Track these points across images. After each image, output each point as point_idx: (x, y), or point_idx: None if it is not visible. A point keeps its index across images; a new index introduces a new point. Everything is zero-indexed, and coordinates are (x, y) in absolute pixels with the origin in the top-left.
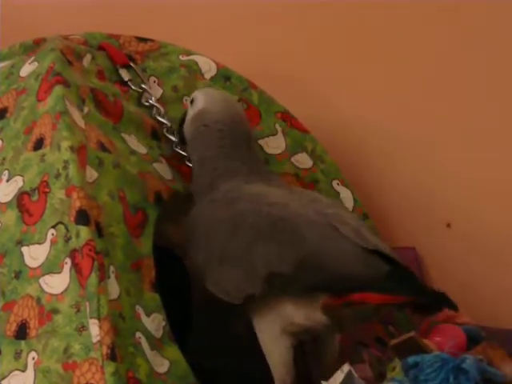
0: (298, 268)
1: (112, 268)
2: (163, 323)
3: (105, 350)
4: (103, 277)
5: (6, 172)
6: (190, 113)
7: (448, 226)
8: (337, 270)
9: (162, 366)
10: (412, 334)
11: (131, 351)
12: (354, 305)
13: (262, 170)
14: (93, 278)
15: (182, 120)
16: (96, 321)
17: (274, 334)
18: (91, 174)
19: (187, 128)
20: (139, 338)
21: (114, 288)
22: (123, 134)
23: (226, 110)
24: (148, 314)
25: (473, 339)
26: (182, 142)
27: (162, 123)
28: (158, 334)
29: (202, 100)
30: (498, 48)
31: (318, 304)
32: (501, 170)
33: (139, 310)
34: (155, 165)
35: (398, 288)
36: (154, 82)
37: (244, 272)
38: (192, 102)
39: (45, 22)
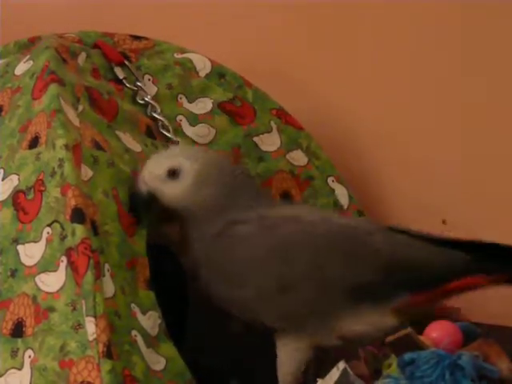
0: (388, 273)
1: (107, 266)
2: (159, 321)
3: (101, 347)
4: (99, 275)
5: (2, 170)
6: (177, 186)
7: (443, 222)
8: (420, 266)
9: (158, 363)
10: (408, 330)
11: (127, 349)
12: (442, 297)
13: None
14: (89, 276)
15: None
16: (92, 319)
17: (296, 347)
18: (86, 172)
19: (184, 196)
20: (135, 335)
21: (109, 286)
22: (118, 132)
23: (217, 162)
24: (143, 312)
25: (469, 336)
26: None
27: (157, 121)
28: (154, 332)
29: (188, 166)
30: (481, 39)
31: (388, 308)
32: (496, 167)
33: (135, 308)
34: None
35: (490, 267)
36: (149, 80)
37: (318, 292)
38: (174, 173)
39: (39, 21)
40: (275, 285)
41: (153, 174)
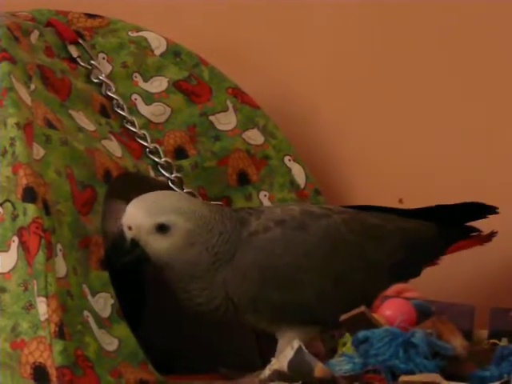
0: (407, 251)
1: (59, 246)
2: (111, 301)
3: (53, 327)
4: (51, 254)
5: None
6: (165, 242)
7: (400, 201)
8: (418, 237)
9: (110, 344)
10: (362, 308)
11: (79, 329)
12: None
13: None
14: (40, 256)
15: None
16: (44, 299)
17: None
18: (38, 151)
19: (170, 253)
20: (87, 316)
21: (61, 266)
22: (71, 111)
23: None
24: (93, 294)
25: (423, 313)
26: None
27: (112, 100)
28: (106, 313)
29: (181, 225)
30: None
31: None
32: (453, 145)
33: (85, 289)
34: (104, 142)
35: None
36: (103, 58)
37: (367, 277)
38: (162, 228)
39: None
40: (331, 281)
41: (141, 224)
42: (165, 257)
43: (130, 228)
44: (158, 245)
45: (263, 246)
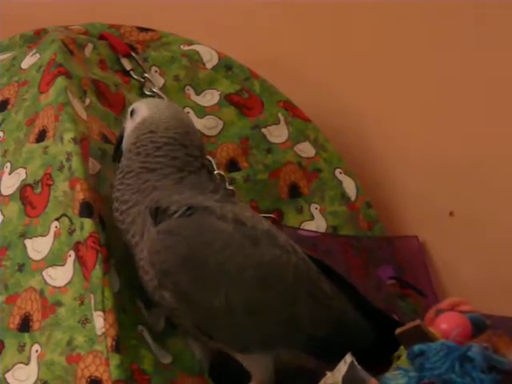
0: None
1: (112, 261)
2: (164, 315)
3: (110, 342)
4: (107, 269)
5: (9, 164)
6: (130, 125)
7: (451, 214)
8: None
9: (165, 357)
10: (418, 322)
11: (134, 344)
12: None
13: (220, 187)
14: (97, 271)
15: (121, 137)
16: (101, 313)
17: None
18: (94, 165)
19: (127, 140)
20: (141, 330)
21: (115, 281)
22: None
23: (176, 119)
24: (148, 308)
25: (478, 327)
26: (119, 159)
27: None
28: (159, 327)
29: (145, 108)
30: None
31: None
32: (502, 158)
33: (139, 303)
34: None
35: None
36: (156, 71)
37: (283, 328)
38: (132, 113)
39: (43, 13)
40: (243, 306)
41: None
42: (126, 141)
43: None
44: (127, 128)
45: (199, 227)
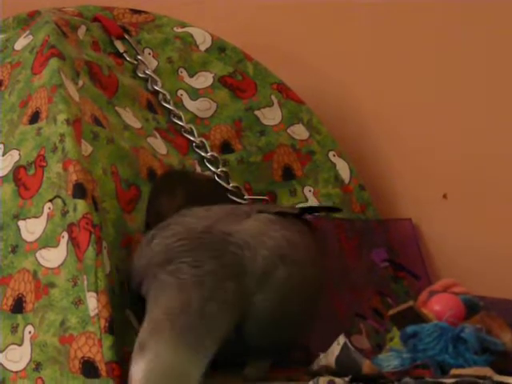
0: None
1: (104, 243)
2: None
3: (103, 323)
4: (100, 250)
5: (2, 146)
6: None
7: (444, 196)
8: None
9: None
10: (411, 303)
11: (123, 326)
12: None
13: None
14: (90, 252)
15: None
16: (94, 294)
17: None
18: (86, 147)
19: None
20: (128, 314)
21: (106, 263)
22: (117, 108)
23: None
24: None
25: (471, 309)
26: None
27: (158, 94)
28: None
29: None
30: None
31: None
32: (498, 142)
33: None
34: (149, 139)
35: None
36: (149, 53)
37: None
38: None
39: None
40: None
41: None
42: None
43: None
44: None
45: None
